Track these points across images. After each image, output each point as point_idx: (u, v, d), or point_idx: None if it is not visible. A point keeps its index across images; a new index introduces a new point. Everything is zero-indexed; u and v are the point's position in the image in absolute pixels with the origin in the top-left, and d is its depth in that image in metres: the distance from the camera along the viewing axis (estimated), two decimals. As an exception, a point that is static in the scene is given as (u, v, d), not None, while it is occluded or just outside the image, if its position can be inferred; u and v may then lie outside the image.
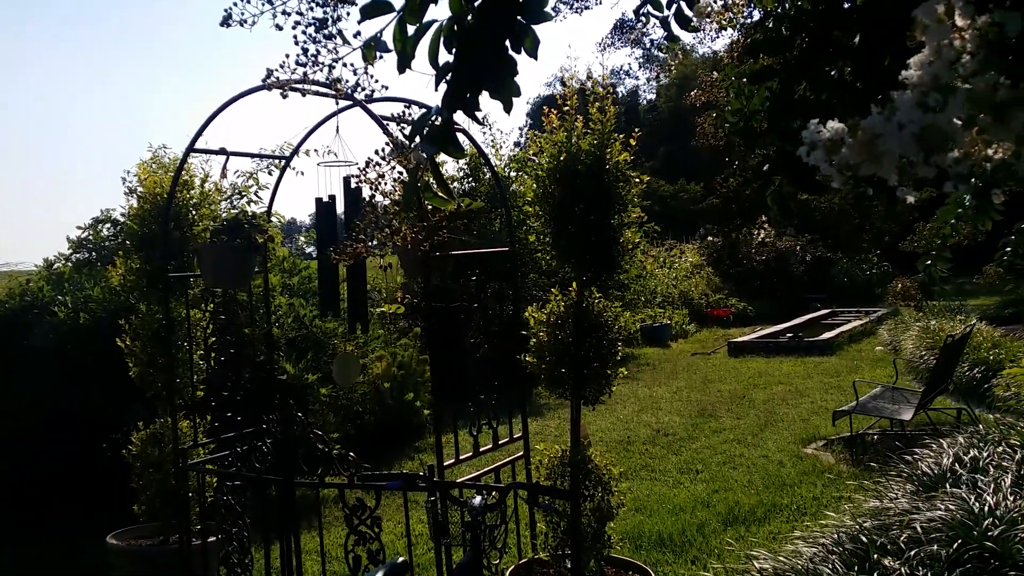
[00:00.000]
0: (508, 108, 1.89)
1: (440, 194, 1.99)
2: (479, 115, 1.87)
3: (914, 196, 1.18)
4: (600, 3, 25.01)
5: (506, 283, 5.12)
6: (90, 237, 9.62)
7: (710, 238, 23.71)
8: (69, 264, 9.26)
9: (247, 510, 4.57)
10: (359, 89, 1.82)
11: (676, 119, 43.39)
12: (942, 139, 1.12)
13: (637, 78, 55.04)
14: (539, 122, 4.67)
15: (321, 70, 1.75)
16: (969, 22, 1.11)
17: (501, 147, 14.92)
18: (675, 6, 3.09)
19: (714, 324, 19.24)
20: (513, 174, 14.51)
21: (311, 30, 1.79)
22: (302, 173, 5.71)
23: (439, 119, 1.88)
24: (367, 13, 1.84)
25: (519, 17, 1.87)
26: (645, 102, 52.22)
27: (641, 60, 50.76)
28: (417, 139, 1.93)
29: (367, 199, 2.88)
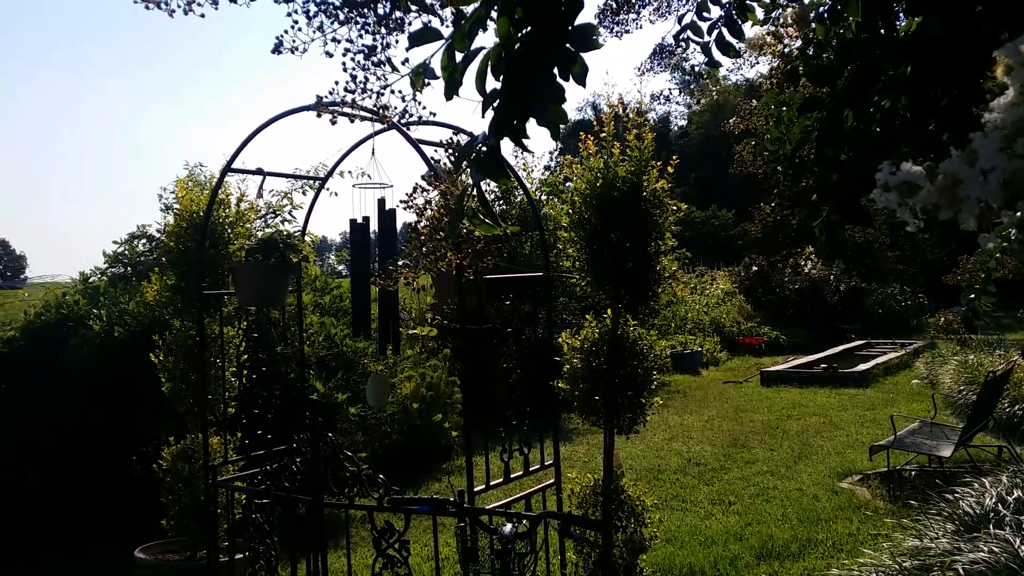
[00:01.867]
0: (556, 135, 1.87)
1: (486, 220, 1.96)
2: (526, 142, 1.85)
3: (994, 242, 1.13)
4: (640, 27, 25.09)
5: (536, 306, 5.08)
6: (126, 252, 9.74)
7: (755, 268, 23.49)
8: (105, 278, 9.37)
9: (275, 528, 4.55)
10: (407, 115, 1.81)
11: (707, 145, 43.32)
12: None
13: (677, 103, 54.99)
14: (570, 146, 4.66)
15: (370, 97, 1.75)
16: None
17: (532, 171, 14.96)
18: (716, 32, 3.07)
19: (746, 352, 19.03)
20: (544, 198, 14.53)
21: (360, 57, 1.81)
22: (336, 194, 5.75)
23: (486, 146, 1.87)
24: (415, 40, 1.84)
25: (568, 44, 1.85)
26: (676, 128, 52.19)
27: (680, 86, 50.73)
28: (464, 165, 1.92)
29: (412, 224, 2.88)
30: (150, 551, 5.39)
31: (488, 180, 1.92)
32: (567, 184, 14.89)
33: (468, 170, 1.93)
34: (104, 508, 6.86)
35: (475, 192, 1.91)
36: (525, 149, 1.72)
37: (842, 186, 2.53)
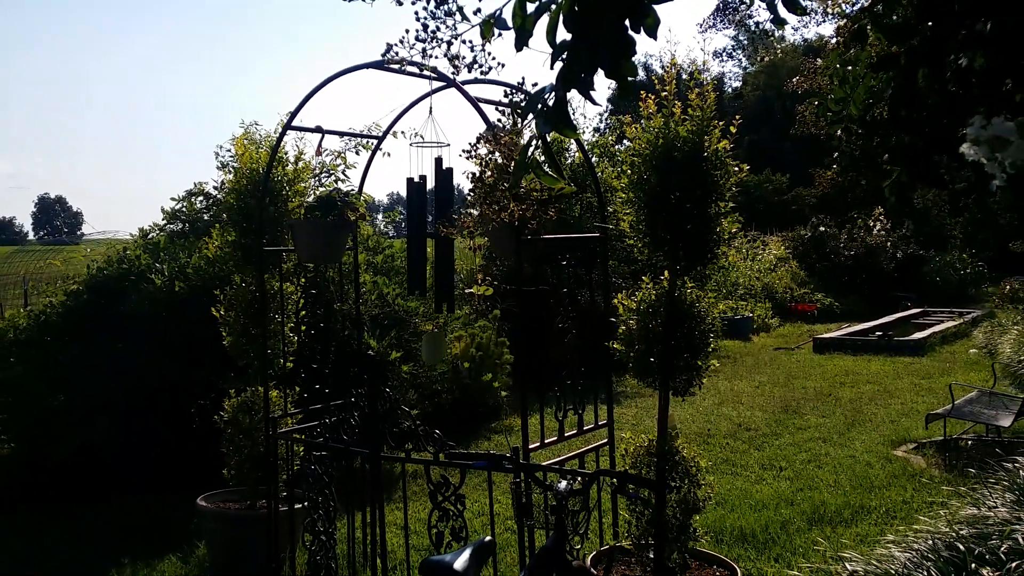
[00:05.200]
0: (624, 88, 1.85)
1: (551, 173, 1.96)
2: (593, 95, 1.84)
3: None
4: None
5: (590, 268, 5.07)
6: (184, 209, 9.91)
7: (821, 228, 23.03)
8: (163, 234, 9.57)
9: (333, 480, 4.66)
10: (476, 65, 1.81)
11: (762, 107, 42.35)
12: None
13: (736, 63, 53.78)
14: (621, 107, 4.59)
15: (439, 46, 1.75)
16: None
17: (583, 132, 14.82)
18: (783, -13, 2.99)
19: (798, 319, 18.79)
20: (594, 159, 14.40)
21: (431, 6, 1.79)
22: (388, 155, 5.78)
23: (553, 97, 1.86)
24: (490, -11, 1.83)
25: (641, -3, 1.83)
26: (730, 90, 51.12)
27: (744, 41, 49.52)
28: (530, 116, 1.91)
29: (475, 175, 2.88)
30: (211, 500, 5.56)
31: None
32: (620, 145, 14.73)
33: (533, 122, 1.93)
34: (168, 459, 7.07)
35: (540, 144, 1.91)
36: (593, 101, 1.71)
37: (915, 147, 2.46)
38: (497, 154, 2.73)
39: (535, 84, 3.22)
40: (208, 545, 5.57)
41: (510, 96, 3.25)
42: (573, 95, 1.88)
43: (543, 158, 2.06)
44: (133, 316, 7.53)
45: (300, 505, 5.00)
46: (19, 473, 7.09)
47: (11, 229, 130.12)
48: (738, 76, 53.45)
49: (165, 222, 9.93)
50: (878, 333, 14.89)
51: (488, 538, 3.16)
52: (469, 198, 3.05)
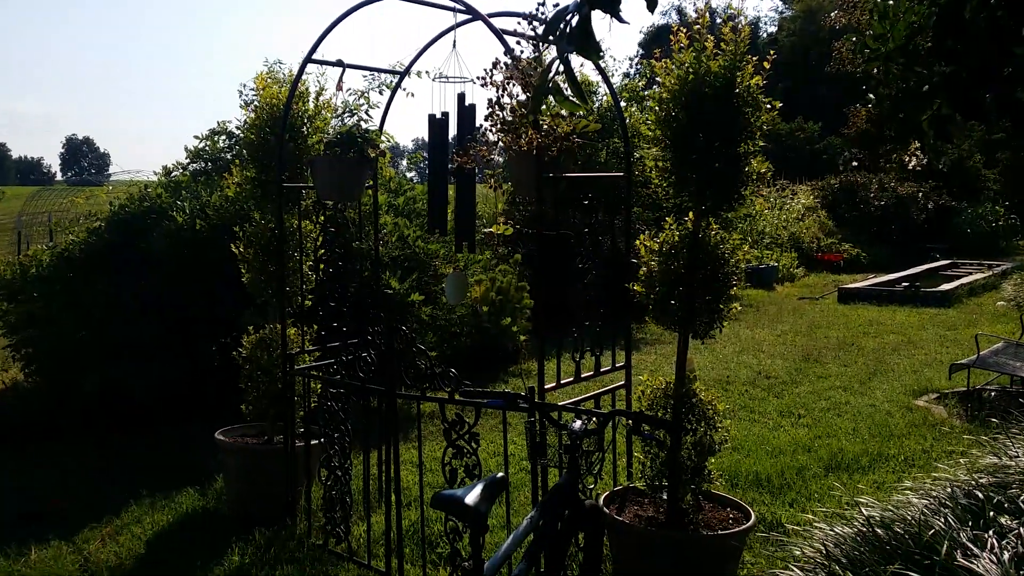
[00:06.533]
0: (652, 5, 1.75)
1: (572, 98, 1.88)
2: (620, 12, 1.74)
3: None
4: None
5: (613, 213, 4.98)
6: (207, 148, 9.88)
7: (854, 163, 22.56)
8: (187, 173, 9.55)
9: (349, 417, 4.68)
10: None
11: (797, 54, 41.42)
12: None
13: (777, 5, 52.50)
14: (651, 52, 4.44)
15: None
16: None
17: (613, 75, 14.55)
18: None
19: (824, 269, 18.57)
20: (623, 104, 14.15)
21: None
22: (412, 94, 5.68)
23: (576, 16, 1.77)
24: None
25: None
26: (765, 35, 49.98)
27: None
28: (551, 38, 1.82)
29: (492, 100, 2.78)
30: (229, 434, 5.62)
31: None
32: (647, 91, 14.44)
33: (555, 44, 1.84)
34: (188, 394, 7.15)
35: (562, 67, 1.82)
36: (620, 19, 1.62)
37: (958, 77, 2.34)
38: (516, 84, 2.63)
39: (556, 4, 3.09)
40: (225, 479, 5.64)
41: (530, 20, 3.13)
42: (598, 28, 1.78)
43: (565, 84, 1.96)
44: (154, 254, 7.56)
45: (316, 441, 5.04)
46: (43, 406, 7.19)
47: (39, 169, 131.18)
48: (774, 21, 52.23)
49: (188, 161, 9.91)
50: (905, 284, 14.69)
51: (501, 475, 3.14)
52: (484, 125, 2.97)
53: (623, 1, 1.74)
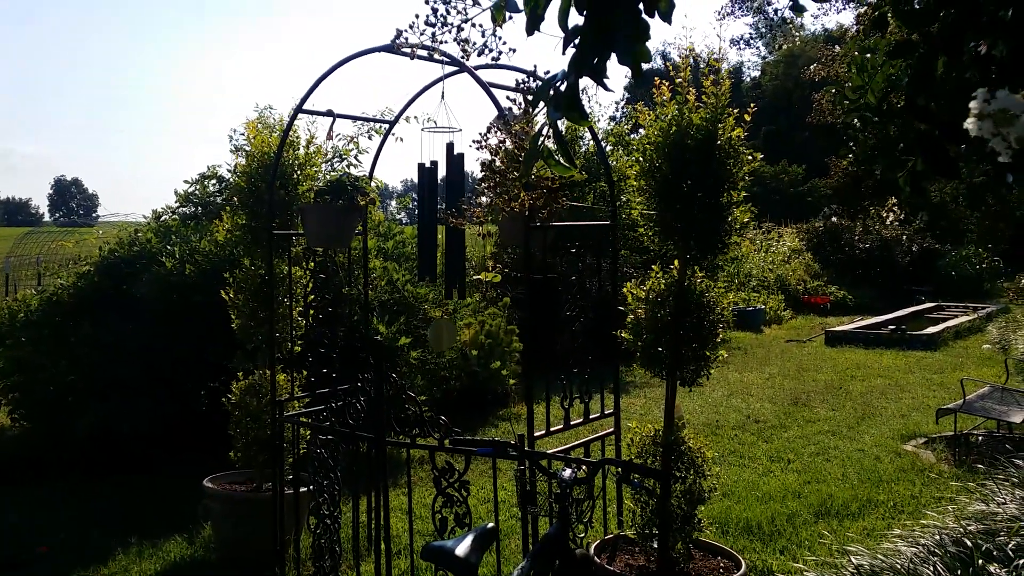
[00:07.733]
0: (638, 73, 1.82)
1: (562, 161, 1.93)
2: (606, 81, 1.81)
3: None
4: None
5: (600, 257, 5.04)
6: (197, 192, 9.93)
7: (833, 218, 22.86)
8: (176, 217, 9.58)
9: (339, 464, 4.66)
10: (487, 50, 1.78)
11: (780, 98, 42.11)
12: None
13: (753, 52, 53.49)
14: (637, 97, 4.54)
15: (450, 31, 1.72)
16: None
17: (598, 120, 14.75)
18: (802, -25, 2.94)
19: (810, 311, 18.68)
20: (609, 148, 14.33)
21: (441, -12, 1.76)
22: (401, 139, 5.76)
23: (565, 83, 1.83)
24: (499, -29, 1.80)
25: (654, -21, 1.79)
26: (748, 79, 50.76)
27: (762, 30, 49.18)
28: (541, 104, 1.88)
29: (486, 163, 2.85)
30: (217, 481, 5.58)
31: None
32: (635, 135, 14.66)
33: (544, 109, 1.90)
34: (176, 440, 7.10)
35: (551, 132, 1.88)
36: (605, 88, 1.68)
37: (930, 135, 2.42)
38: (508, 142, 2.70)
39: (547, 72, 3.18)
40: (213, 526, 5.60)
41: (523, 84, 3.21)
42: (586, 82, 1.85)
43: (555, 146, 2.02)
44: (143, 298, 7.56)
45: (305, 488, 5.01)
46: (31, 451, 7.13)
47: (27, 210, 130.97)
48: (756, 65, 53.13)
49: (178, 205, 9.95)
50: (891, 327, 14.79)
51: (491, 525, 3.15)
52: (478, 187, 3.02)
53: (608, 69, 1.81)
